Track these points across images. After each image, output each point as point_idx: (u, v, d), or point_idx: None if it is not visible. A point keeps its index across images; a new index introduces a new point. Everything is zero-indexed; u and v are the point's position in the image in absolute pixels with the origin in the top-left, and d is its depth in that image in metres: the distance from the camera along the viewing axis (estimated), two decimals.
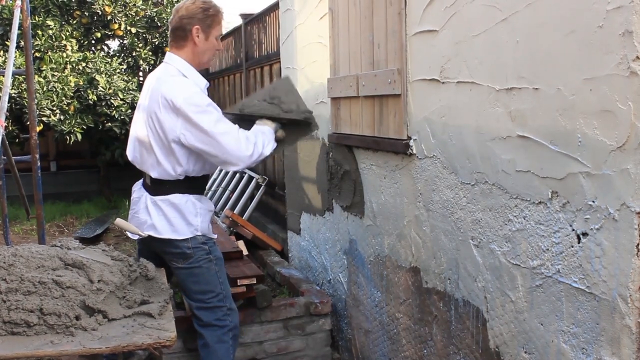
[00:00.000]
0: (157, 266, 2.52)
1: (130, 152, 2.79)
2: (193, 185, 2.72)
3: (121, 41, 8.46)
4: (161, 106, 2.56)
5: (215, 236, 2.85)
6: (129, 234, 2.81)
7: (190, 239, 2.67)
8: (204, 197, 2.79)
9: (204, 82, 2.73)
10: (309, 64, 3.74)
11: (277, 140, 2.75)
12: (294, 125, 2.83)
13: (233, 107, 3.03)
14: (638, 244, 1.53)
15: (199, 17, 2.67)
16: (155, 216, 2.67)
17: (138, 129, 2.71)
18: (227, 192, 5.82)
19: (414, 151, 2.55)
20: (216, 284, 2.75)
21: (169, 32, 2.77)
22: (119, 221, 2.75)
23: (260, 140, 2.65)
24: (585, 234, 1.69)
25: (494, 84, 2.02)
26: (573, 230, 1.73)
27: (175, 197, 2.66)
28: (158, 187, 2.68)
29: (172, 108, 2.54)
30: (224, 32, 8.04)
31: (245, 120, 2.78)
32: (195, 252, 2.69)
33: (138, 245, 2.92)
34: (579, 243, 1.71)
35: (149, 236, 2.68)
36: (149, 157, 2.67)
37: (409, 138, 2.57)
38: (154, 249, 2.76)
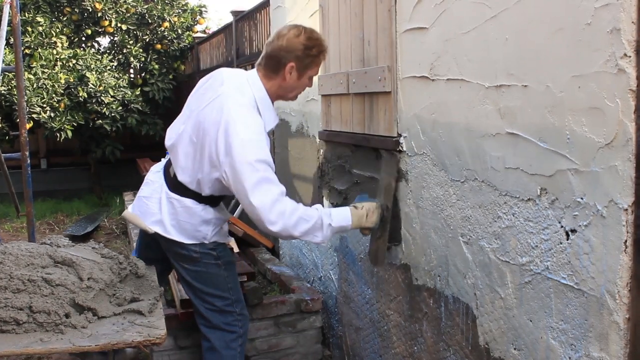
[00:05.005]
0: (154, 257, 2.45)
1: (170, 140, 2.56)
2: (214, 197, 2.56)
3: (112, 38, 8.44)
4: (221, 135, 2.33)
5: (227, 240, 2.71)
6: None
7: (198, 244, 2.54)
8: (221, 207, 2.62)
9: (274, 122, 2.52)
10: None
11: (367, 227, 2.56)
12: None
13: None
14: (626, 241, 1.54)
15: (298, 54, 2.42)
16: (166, 213, 2.51)
17: (188, 128, 2.48)
18: None
19: (404, 148, 2.56)
20: (225, 289, 2.62)
21: (263, 53, 2.50)
22: (127, 214, 2.61)
23: (305, 224, 2.36)
24: (573, 231, 1.70)
25: (483, 81, 2.02)
26: (562, 226, 1.74)
27: (192, 202, 2.49)
28: (178, 186, 2.52)
29: (226, 144, 2.31)
30: (215, 29, 8.08)
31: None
32: (202, 257, 2.55)
33: (141, 231, 2.73)
34: (567, 240, 1.72)
35: (155, 232, 2.54)
36: (185, 160, 2.48)
37: (399, 135, 2.58)
38: (160, 243, 2.62)
